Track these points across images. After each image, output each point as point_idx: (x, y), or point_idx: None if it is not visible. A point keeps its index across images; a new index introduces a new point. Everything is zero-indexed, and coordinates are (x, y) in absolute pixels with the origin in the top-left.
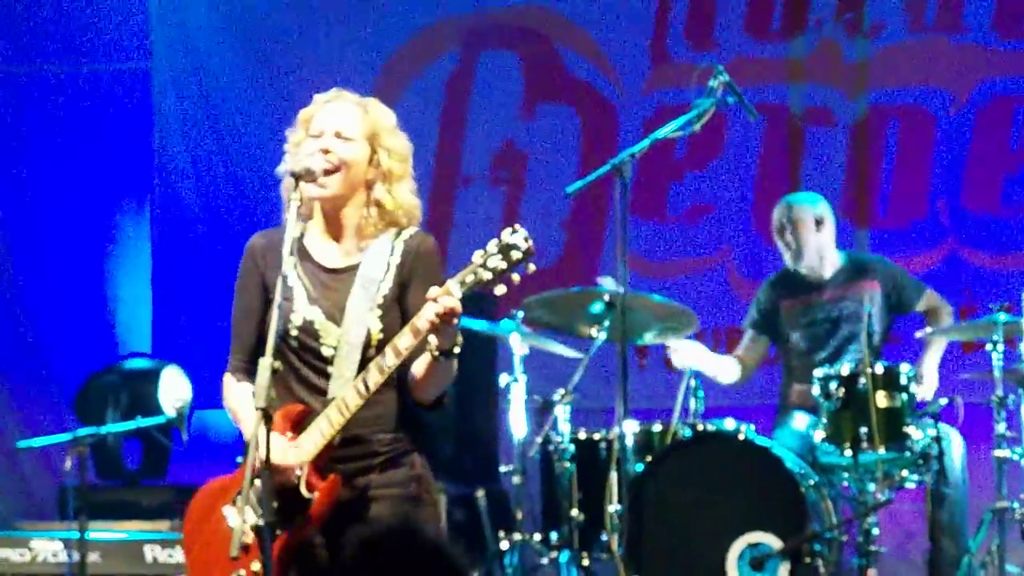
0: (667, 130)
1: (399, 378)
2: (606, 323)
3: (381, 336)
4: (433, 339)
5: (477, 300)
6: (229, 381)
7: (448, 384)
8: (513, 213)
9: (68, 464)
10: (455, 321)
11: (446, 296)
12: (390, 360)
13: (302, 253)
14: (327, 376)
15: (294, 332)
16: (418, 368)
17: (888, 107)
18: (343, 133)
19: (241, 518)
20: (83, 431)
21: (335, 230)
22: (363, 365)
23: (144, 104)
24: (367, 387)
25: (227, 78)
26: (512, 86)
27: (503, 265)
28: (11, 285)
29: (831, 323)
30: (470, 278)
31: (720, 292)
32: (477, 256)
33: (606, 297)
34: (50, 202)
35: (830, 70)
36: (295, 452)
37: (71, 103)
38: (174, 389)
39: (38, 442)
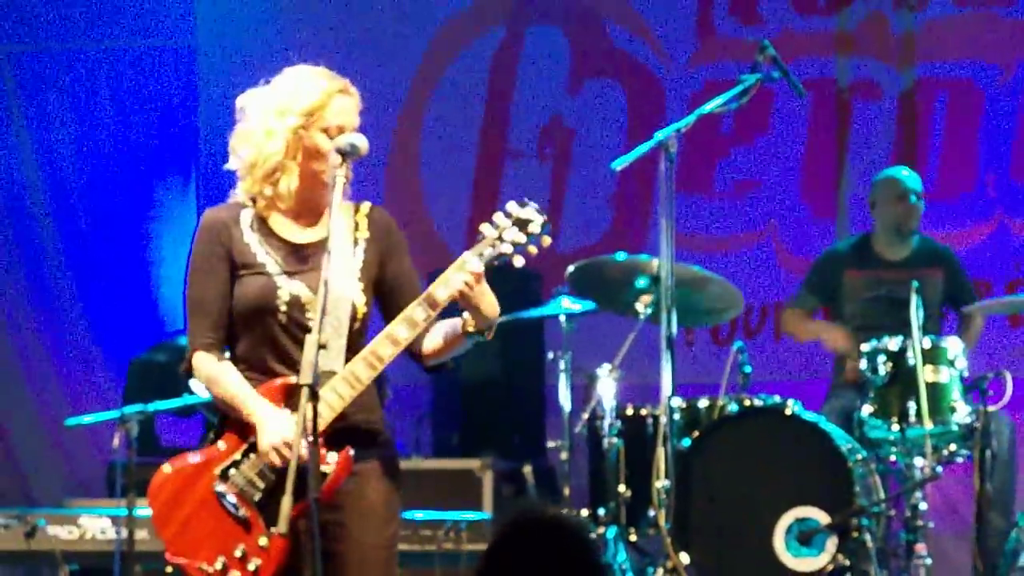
0: (713, 105)
1: None
2: (652, 298)
3: (365, 309)
4: (468, 317)
5: (522, 284)
6: (205, 359)
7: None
8: (560, 188)
9: (116, 441)
10: (478, 291)
11: (467, 266)
12: (405, 332)
13: (263, 230)
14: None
15: (283, 308)
16: (437, 336)
17: (936, 80)
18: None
19: (289, 495)
20: (130, 408)
21: (297, 208)
22: (349, 338)
23: (189, 81)
24: (380, 359)
25: (270, 54)
26: (558, 61)
27: (521, 238)
28: (58, 263)
29: (891, 303)
30: (488, 251)
31: (767, 267)
32: (488, 229)
33: (653, 269)
34: (95, 180)
35: (877, 43)
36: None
37: (116, 80)
38: None
39: (86, 419)
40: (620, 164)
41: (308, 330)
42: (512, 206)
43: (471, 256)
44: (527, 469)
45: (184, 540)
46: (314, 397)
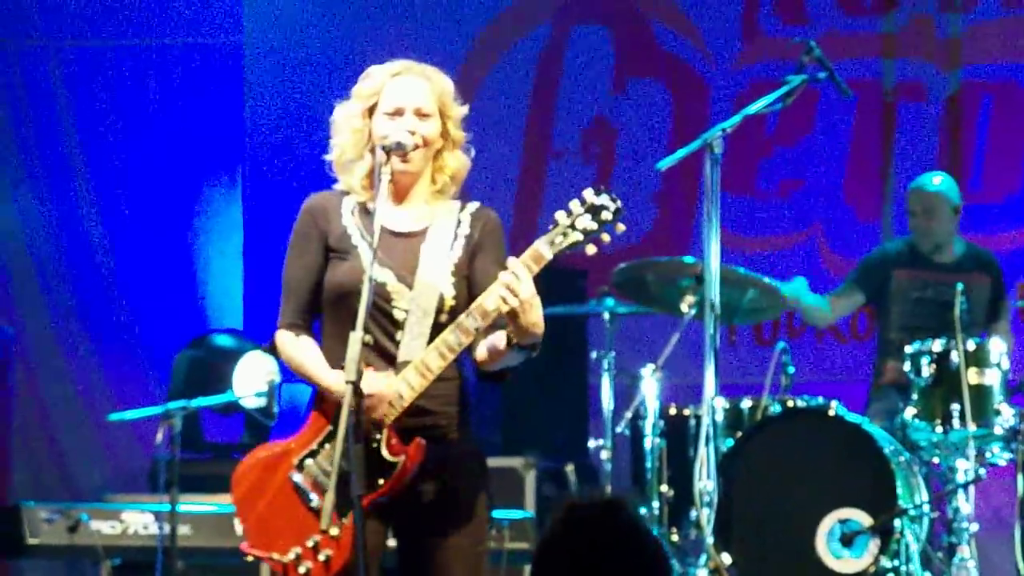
0: (758, 106)
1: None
2: (696, 298)
3: (454, 303)
4: (512, 329)
5: (567, 282)
6: (286, 337)
7: (514, 365)
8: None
9: (159, 437)
10: (524, 304)
11: (511, 275)
12: (477, 322)
13: (364, 215)
14: (395, 340)
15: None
16: (484, 346)
17: (981, 83)
18: (423, 110)
19: (332, 487)
20: (174, 404)
21: (400, 196)
22: (434, 330)
23: (235, 79)
24: (451, 349)
25: (317, 52)
26: (603, 61)
27: (593, 225)
28: (104, 259)
29: (938, 305)
30: (559, 239)
31: (811, 268)
32: (562, 216)
33: (697, 270)
34: (142, 177)
35: (923, 45)
36: (386, 383)
37: (163, 77)
38: (258, 370)
39: (130, 415)
40: (665, 164)
41: (392, 319)
42: (588, 193)
43: (542, 244)
44: (569, 468)
45: (261, 531)
46: (357, 394)
